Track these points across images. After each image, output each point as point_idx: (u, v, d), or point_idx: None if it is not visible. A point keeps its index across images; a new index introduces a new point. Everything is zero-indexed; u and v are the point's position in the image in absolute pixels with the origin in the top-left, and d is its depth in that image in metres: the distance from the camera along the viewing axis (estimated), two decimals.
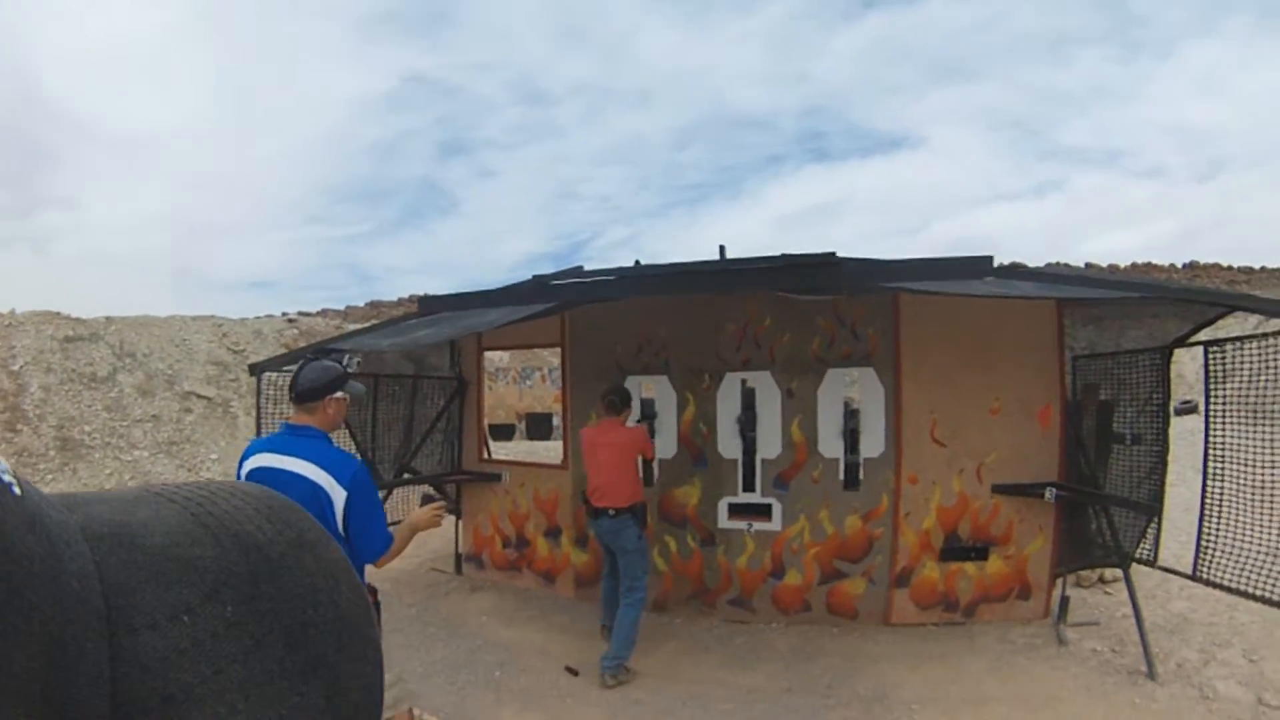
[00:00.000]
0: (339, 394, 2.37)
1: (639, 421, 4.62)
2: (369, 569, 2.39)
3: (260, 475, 2.24)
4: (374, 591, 2.41)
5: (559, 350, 5.17)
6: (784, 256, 3.77)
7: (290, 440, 2.30)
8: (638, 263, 4.02)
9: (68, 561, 0.28)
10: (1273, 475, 3.54)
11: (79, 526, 0.30)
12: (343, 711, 0.33)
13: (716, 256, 4.38)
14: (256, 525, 0.34)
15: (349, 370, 2.48)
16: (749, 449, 4.67)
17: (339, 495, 2.17)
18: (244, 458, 2.37)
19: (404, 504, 5.23)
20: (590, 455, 4.21)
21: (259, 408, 4.92)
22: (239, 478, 2.33)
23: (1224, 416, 3.86)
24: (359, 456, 2.67)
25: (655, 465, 4.84)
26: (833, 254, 3.64)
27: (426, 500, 2.52)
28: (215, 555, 0.32)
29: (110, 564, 0.30)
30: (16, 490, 0.28)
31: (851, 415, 4.66)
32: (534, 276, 4.15)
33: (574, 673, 4.14)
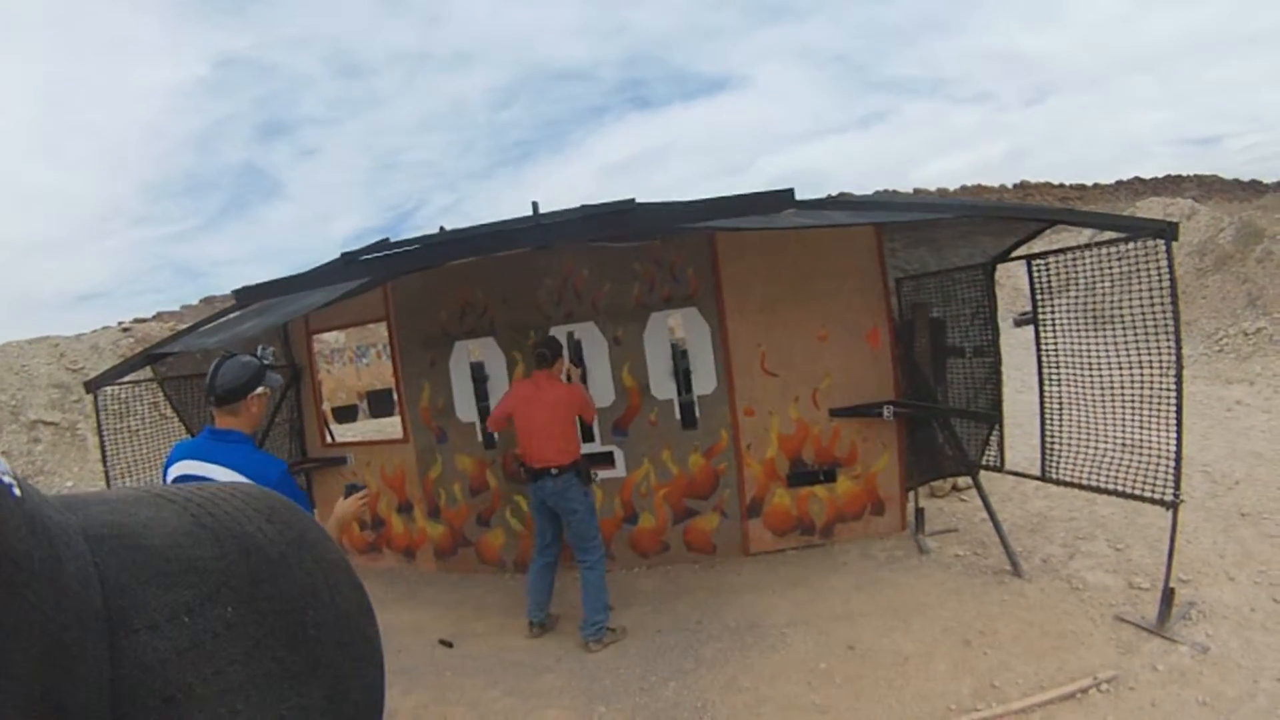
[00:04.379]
0: (259, 389, 2.24)
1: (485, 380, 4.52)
2: None
3: (185, 483, 2.13)
4: None
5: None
6: (583, 208, 3.77)
7: (213, 446, 2.18)
8: (442, 229, 3.96)
9: (68, 562, 0.27)
10: (1112, 376, 3.70)
11: (79, 527, 0.30)
12: (344, 712, 0.33)
13: (530, 213, 4.36)
14: (256, 526, 0.34)
15: (265, 362, 2.32)
16: None
17: None
18: (168, 464, 2.23)
19: None
20: (524, 412, 3.87)
21: (100, 426, 4.66)
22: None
23: (1056, 325, 4.03)
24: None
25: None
26: (631, 200, 3.66)
27: (351, 491, 2.34)
28: (215, 556, 0.32)
29: (110, 565, 0.29)
30: (16, 491, 0.27)
31: (682, 356, 4.74)
32: (342, 254, 4.04)
33: (448, 645, 4.11)
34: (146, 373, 4.79)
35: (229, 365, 2.24)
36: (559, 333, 4.69)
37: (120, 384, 4.71)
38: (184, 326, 5.21)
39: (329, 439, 5.49)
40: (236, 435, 2.20)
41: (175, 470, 2.18)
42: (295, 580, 0.34)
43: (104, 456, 4.63)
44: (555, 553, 4.03)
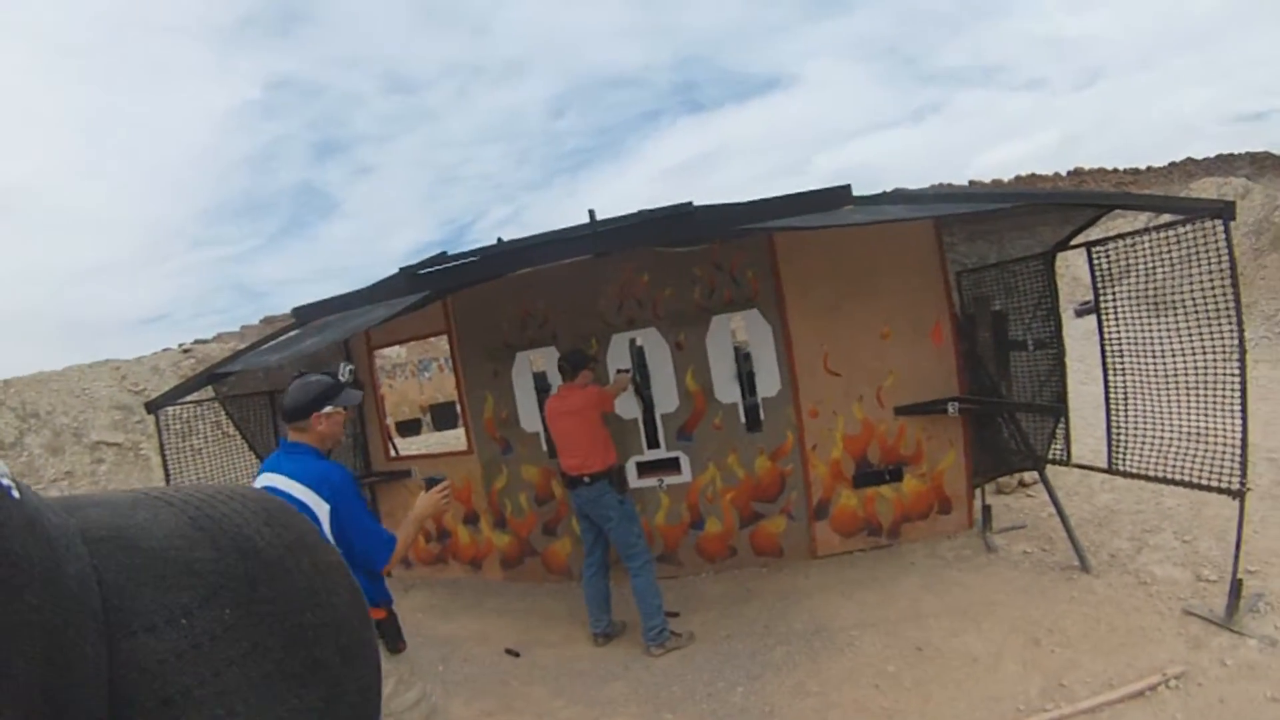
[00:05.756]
0: (327, 409, 2.30)
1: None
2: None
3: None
4: (389, 604, 2.36)
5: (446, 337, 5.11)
6: (640, 213, 3.75)
7: (283, 458, 2.29)
8: (500, 240, 3.98)
9: (66, 564, 0.28)
10: (1175, 363, 3.60)
11: (78, 529, 0.30)
12: (340, 714, 0.33)
13: (587, 221, 4.35)
14: (254, 528, 0.34)
15: (343, 380, 2.38)
16: (647, 406, 4.69)
17: (323, 509, 2.14)
18: (256, 479, 2.36)
19: None
20: (552, 426, 4.04)
21: (162, 445, 4.76)
22: None
23: (1117, 313, 3.92)
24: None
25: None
26: (689, 203, 3.63)
27: (432, 484, 2.33)
28: (213, 558, 0.32)
29: (109, 567, 0.30)
30: (15, 494, 0.27)
31: (745, 358, 4.69)
32: (400, 269, 4.07)
33: (515, 654, 4.12)
34: (208, 393, 4.87)
35: (295, 385, 2.32)
36: (621, 339, 4.69)
37: (181, 404, 4.80)
38: (244, 346, 5.29)
39: (393, 453, 5.55)
40: (303, 448, 2.28)
41: (258, 483, 2.28)
42: (293, 582, 0.34)
43: (167, 475, 4.74)
44: (600, 558, 4.04)
